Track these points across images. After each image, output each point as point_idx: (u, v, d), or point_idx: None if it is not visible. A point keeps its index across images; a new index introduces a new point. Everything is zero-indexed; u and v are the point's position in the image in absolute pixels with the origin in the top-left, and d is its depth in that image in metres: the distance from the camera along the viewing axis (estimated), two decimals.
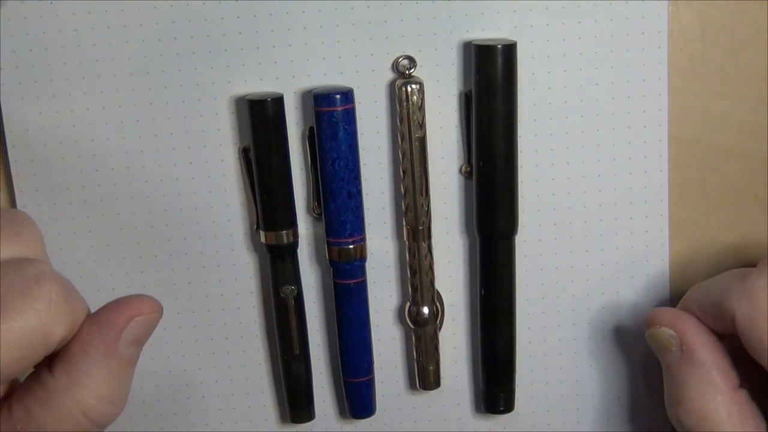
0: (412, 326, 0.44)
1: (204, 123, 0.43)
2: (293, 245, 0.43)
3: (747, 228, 0.44)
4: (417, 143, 0.42)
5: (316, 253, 0.44)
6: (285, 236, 0.43)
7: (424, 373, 0.45)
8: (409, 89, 0.41)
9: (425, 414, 0.46)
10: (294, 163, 0.43)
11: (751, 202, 0.44)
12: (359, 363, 0.45)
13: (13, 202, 0.43)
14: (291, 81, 0.42)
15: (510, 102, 0.41)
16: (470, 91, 0.42)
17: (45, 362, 0.33)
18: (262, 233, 0.43)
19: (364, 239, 0.43)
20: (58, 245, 0.43)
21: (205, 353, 0.45)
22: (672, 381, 0.39)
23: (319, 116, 0.41)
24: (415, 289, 0.44)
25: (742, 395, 0.38)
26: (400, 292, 0.45)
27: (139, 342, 0.34)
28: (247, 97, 0.41)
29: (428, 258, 0.43)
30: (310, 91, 0.42)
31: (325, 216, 0.43)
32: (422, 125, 0.42)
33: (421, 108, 0.42)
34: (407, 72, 0.42)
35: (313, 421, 0.46)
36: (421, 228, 0.43)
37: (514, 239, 0.43)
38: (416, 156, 0.42)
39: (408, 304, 0.44)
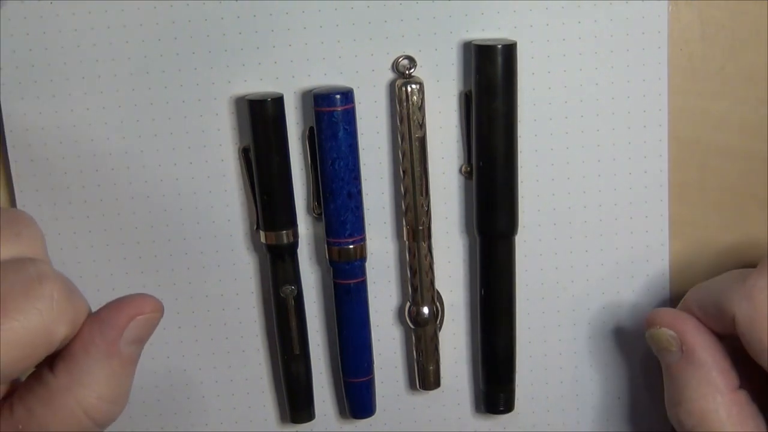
0: (412, 326, 0.44)
1: (204, 123, 0.42)
2: (293, 245, 0.43)
3: (747, 228, 0.44)
4: (417, 143, 0.42)
5: (316, 253, 0.44)
6: (285, 236, 0.43)
7: (424, 373, 0.45)
8: (409, 89, 0.41)
9: (425, 414, 0.46)
10: (294, 163, 0.43)
11: (751, 202, 0.44)
12: (359, 363, 0.45)
13: (13, 202, 0.43)
14: (291, 81, 0.42)
15: (510, 102, 0.41)
16: (470, 91, 0.42)
17: (46, 361, 0.33)
18: (262, 233, 0.43)
19: (364, 239, 0.43)
20: (58, 245, 0.43)
21: (205, 353, 0.45)
22: (672, 381, 0.39)
23: (319, 116, 0.41)
24: (415, 289, 0.44)
25: (742, 396, 0.38)
26: (400, 292, 0.45)
27: (141, 341, 0.34)
28: (247, 97, 0.41)
29: (428, 258, 0.43)
30: (310, 91, 0.42)
31: (325, 216, 0.43)
32: (422, 125, 0.42)
33: (421, 108, 0.42)
34: (407, 72, 0.42)
35: (313, 421, 0.46)
36: (421, 228, 0.43)
37: (514, 239, 0.43)
38: (416, 156, 0.42)
39: (408, 304, 0.44)
